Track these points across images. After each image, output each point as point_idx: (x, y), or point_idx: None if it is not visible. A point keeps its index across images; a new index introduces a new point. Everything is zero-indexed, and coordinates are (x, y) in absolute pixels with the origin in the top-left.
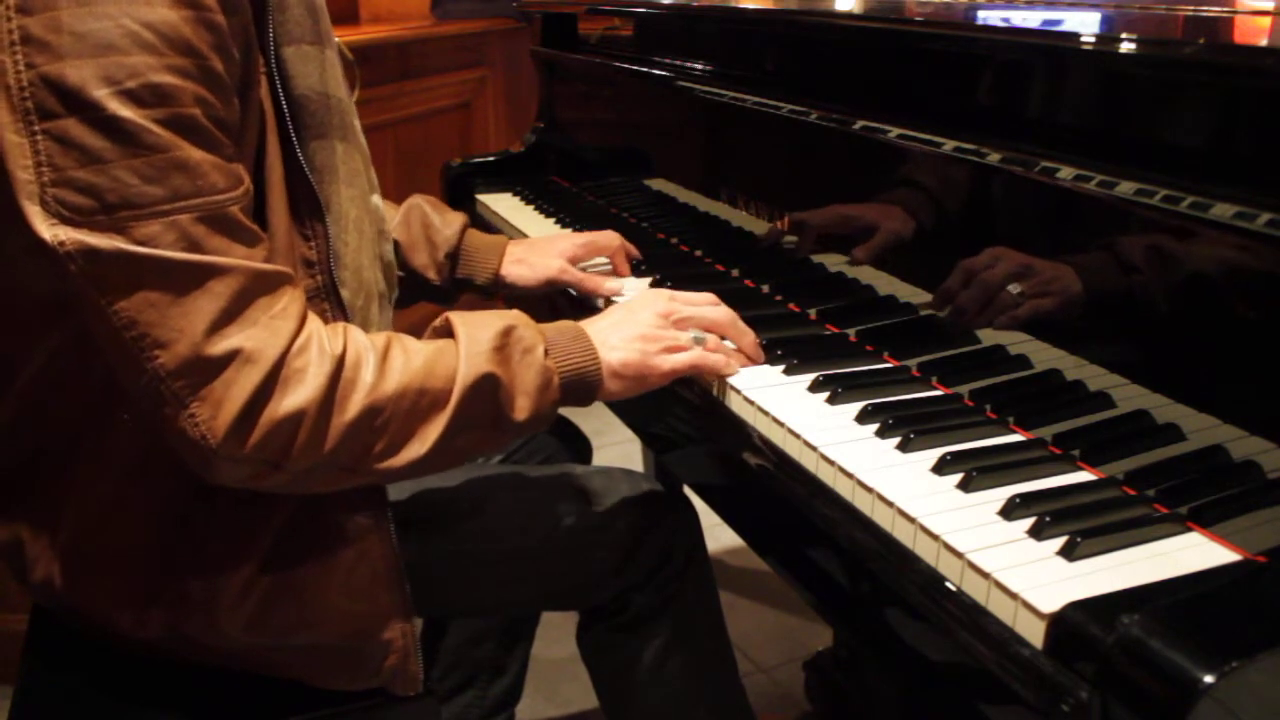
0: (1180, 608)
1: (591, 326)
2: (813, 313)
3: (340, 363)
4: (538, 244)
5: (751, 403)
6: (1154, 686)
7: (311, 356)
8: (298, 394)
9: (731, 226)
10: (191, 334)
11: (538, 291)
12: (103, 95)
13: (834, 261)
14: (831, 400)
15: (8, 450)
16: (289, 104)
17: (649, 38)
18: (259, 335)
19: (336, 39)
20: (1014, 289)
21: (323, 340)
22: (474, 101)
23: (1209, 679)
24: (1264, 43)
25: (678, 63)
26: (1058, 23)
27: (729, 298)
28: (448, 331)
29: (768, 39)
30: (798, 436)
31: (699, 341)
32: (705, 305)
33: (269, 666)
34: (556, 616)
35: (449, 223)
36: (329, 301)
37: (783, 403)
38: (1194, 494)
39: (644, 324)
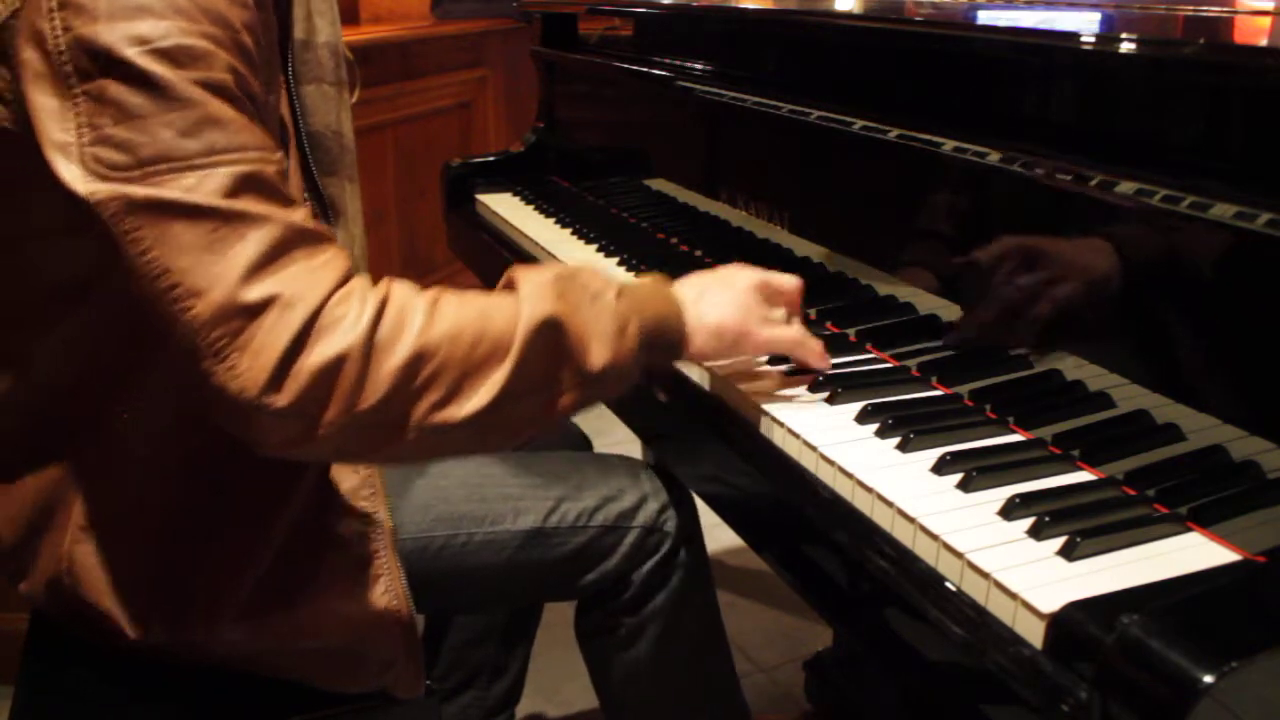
0: (1180, 608)
1: (680, 284)
2: (812, 312)
3: (383, 306)
4: None
5: (751, 402)
6: (1154, 686)
7: (353, 304)
8: (339, 339)
9: (731, 226)
10: (226, 280)
11: None
12: (136, 54)
13: (834, 261)
14: (831, 400)
15: (13, 445)
16: (308, 138)
17: (649, 38)
18: (296, 284)
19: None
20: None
21: (365, 290)
22: (474, 101)
23: (1209, 679)
24: (1264, 43)
25: (678, 63)
26: (1058, 23)
27: None
28: (512, 286)
29: (768, 39)
30: (797, 436)
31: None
32: (793, 289)
33: (270, 669)
34: (556, 617)
35: None
36: None
37: (782, 402)
38: (1194, 494)
39: (741, 289)
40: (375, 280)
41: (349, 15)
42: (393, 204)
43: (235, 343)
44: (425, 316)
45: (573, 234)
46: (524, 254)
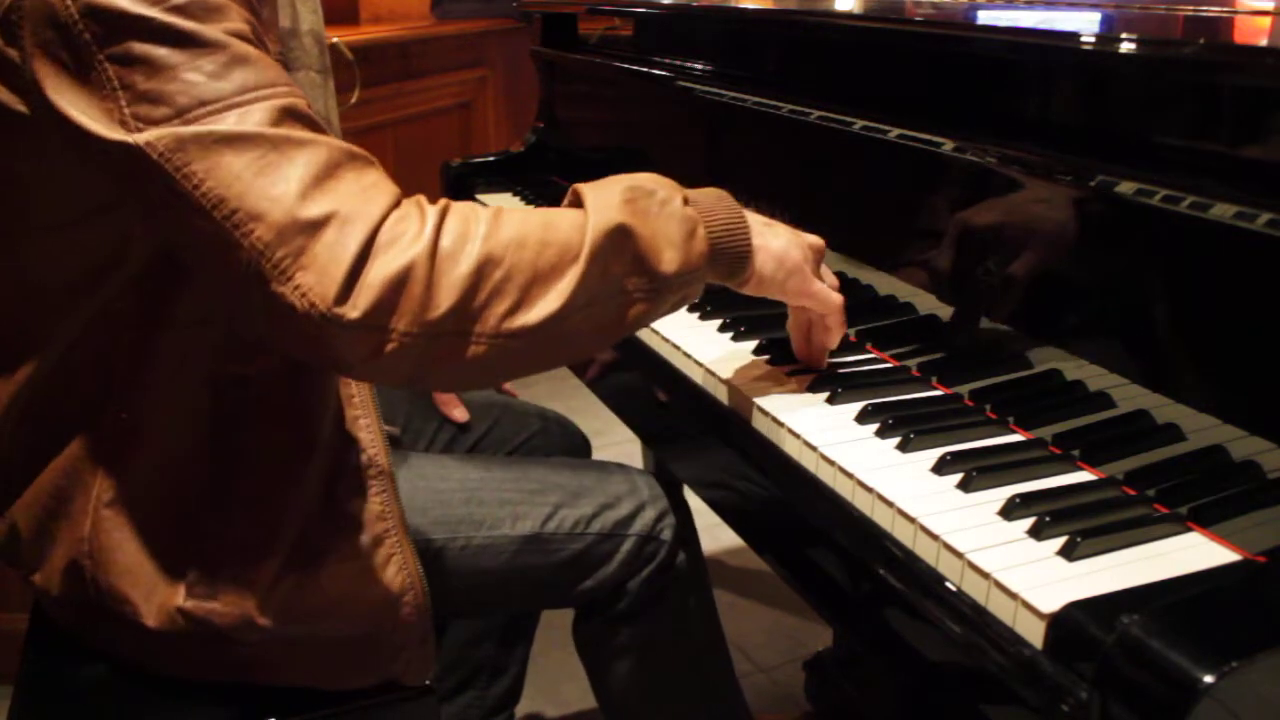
0: (1180, 608)
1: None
2: None
3: (444, 218)
4: None
5: (751, 402)
6: (1154, 686)
7: (412, 221)
8: (403, 252)
9: None
10: (283, 201)
11: None
12: (156, 11)
13: (834, 262)
14: (831, 400)
15: (27, 435)
16: None
17: (649, 38)
18: (351, 201)
19: (335, 39)
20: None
21: (423, 203)
22: (474, 101)
23: (1209, 679)
24: (1264, 43)
25: (678, 63)
26: (1058, 23)
27: (728, 297)
28: (577, 199)
29: (768, 39)
30: (797, 436)
31: None
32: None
33: (283, 671)
34: (556, 617)
35: None
36: None
37: (782, 402)
38: (1194, 494)
39: (803, 239)
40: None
41: (349, 15)
42: None
43: (300, 261)
44: (489, 225)
45: None
46: None
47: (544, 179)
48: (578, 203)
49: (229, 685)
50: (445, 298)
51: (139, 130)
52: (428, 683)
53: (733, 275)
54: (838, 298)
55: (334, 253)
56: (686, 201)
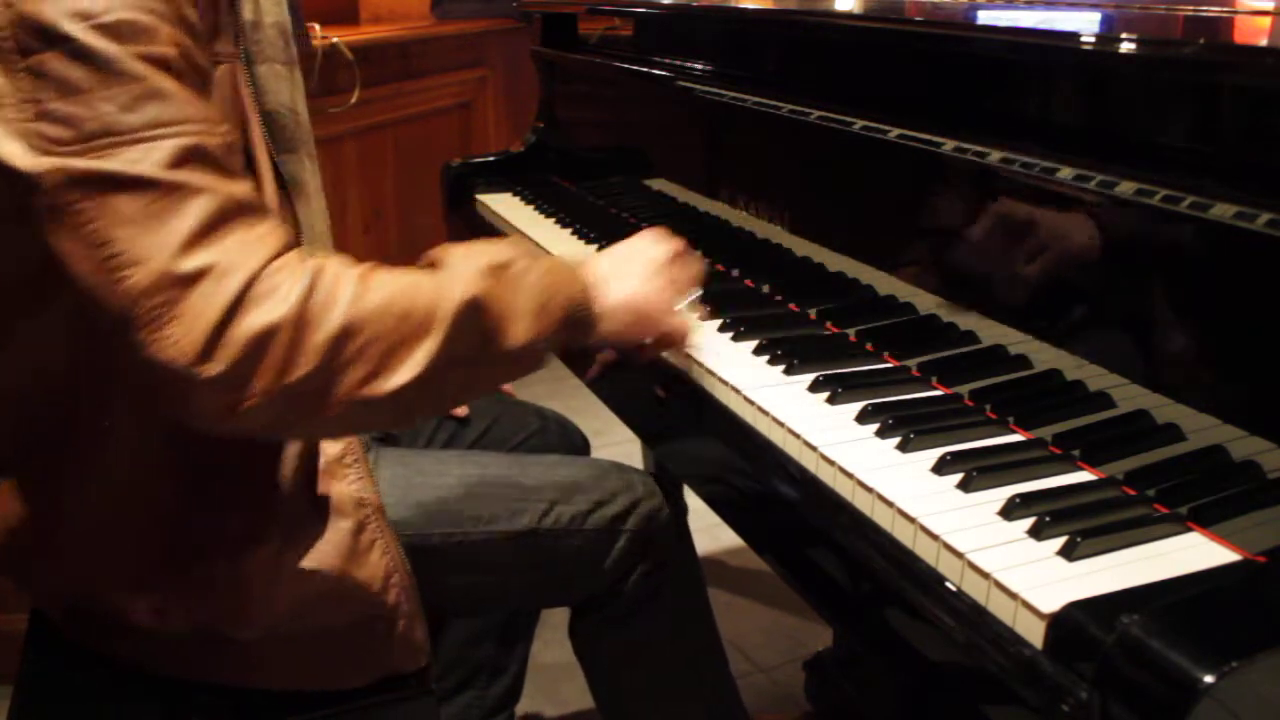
0: (1180, 608)
1: (597, 260)
2: (812, 312)
3: (316, 277)
4: None
5: (752, 403)
6: (1154, 686)
7: (285, 275)
8: (270, 309)
9: (731, 226)
10: (164, 251)
11: None
12: (79, 29)
13: (834, 262)
14: (831, 400)
15: (6, 434)
16: (264, 117)
17: (649, 38)
18: (232, 254)
19: (335, 39)
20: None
21: (300, 262)
22: (474, 101)
23: (1209, 679)
24: (1264, 43)
25: (678, 63)
26: (1058, 23)
27: (729, 298)
28: (438, 264)
29: (768, 39)
30: (797, 436)
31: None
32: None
33: (281, 672)
34: (556, 617)
35: None
36: None
37: (783, 402)
38: (1194, 494)
39: (653, 266)
40: (339, 251)
41: (349, 15)
42: (393, 204)
43: (171, 311)
44: (356, 289)
45: (573, 234)
46: None
47: (544, 179)
48: (438, 264)
49: (228, 686)
50: (304, 363)
51: (37, 153)
52: (430, 687)
53: (584, 339)
54: (686, 327)
55: (203, 305)
56: (542, 273)
